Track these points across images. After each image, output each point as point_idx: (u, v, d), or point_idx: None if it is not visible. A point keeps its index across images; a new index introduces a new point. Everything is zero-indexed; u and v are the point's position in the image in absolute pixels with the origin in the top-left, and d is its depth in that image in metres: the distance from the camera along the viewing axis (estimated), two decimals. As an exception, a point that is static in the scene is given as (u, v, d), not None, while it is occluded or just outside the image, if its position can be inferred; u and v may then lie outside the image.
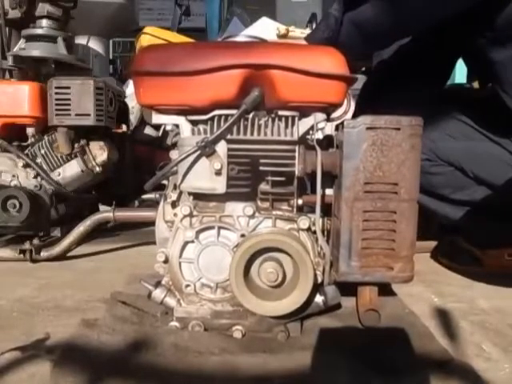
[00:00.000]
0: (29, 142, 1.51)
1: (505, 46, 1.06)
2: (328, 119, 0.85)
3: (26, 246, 1.34)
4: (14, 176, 1.45)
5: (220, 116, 0.81)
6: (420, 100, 1.16)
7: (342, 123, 0.78)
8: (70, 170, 1.49)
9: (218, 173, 0.80)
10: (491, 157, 1.16)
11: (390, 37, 1.14)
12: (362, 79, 1.42)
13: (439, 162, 1.21)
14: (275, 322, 0.84)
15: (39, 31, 1.70)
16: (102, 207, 1.66)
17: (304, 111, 0.82)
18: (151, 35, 2.17)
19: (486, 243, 1.28)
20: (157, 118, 0.86)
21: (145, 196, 1.68)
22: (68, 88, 1.42)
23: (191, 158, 0.80)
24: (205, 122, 0.83)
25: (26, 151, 1.49)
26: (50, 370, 0.70)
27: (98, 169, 1.52)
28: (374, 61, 1.42)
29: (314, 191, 0.82)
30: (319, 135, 0.83)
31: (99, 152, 1.52)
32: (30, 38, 1.71)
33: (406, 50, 1.31)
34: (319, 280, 0.85)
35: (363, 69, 1.55)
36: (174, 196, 0.88)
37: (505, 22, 1.03)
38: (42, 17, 1.70)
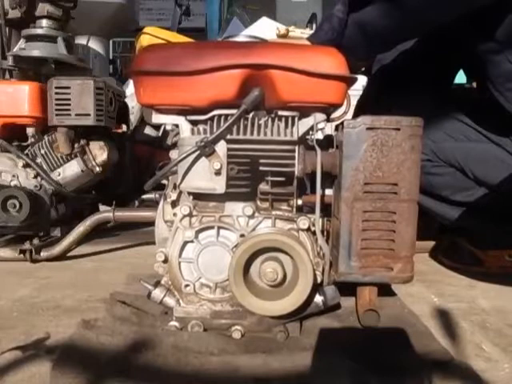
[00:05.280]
0: (29, 142, 1.51)
1: (502, 50, 1.06)
2: (328, 119, 0.85)
3: (26, 246, 1.34)
4: (14, 176, 1.45)
5: (220, 116, 0.81)
6: (421, 105, 1.16)
7: (342, 123, 0.78)
8: (70, 170, 1.49)
9: (218, 173, 0.80)
10: (491, 158, 1.16)
11: (394, 38, 1.13)
12: (362, 79, 1.42)
13: (440, 163, 1.21)
14: (274, 322, 0.84)
15: (39, 31, 1.70)
16: (102, 207, 1.66)
17: (304, 111, 0.82)
18: (151, 35, 2.16)
19: (486, 244, 1.28)
20: (157, 118, 0.86)
21: (145, 196, 1.68)
22: (68, 88, 1.42)
23: (191, 158, 0.80)
24: (205, 121, 0.83)
25: (26, 151, 1.49)
26: (50, 369, 0.70)
27: (97, 169, 1.52)
28: (373, 67, 1.42)
29: (313, 191, 0.82)
30: (319, 135, 0.83)
31: (99, 152, 1.52)
32: (30, 38, 1.71)
33: (408, 56, 1.31)
34: (319, 280, 0.85)
35: (363, 69, 1.55)
36: (173, 196, 0.88)
37: (505, 28, 1.03)
38: (41, 17, 1.70)
